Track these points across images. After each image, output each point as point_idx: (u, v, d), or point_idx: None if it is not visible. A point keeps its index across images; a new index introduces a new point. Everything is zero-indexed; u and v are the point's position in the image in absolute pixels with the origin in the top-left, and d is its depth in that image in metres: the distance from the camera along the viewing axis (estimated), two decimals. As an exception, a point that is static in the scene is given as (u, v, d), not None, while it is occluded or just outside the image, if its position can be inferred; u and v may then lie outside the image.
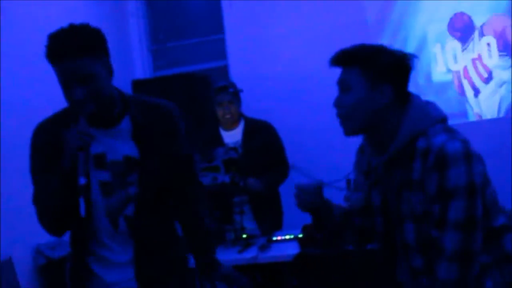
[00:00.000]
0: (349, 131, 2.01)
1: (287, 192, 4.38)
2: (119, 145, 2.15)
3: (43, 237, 4.22)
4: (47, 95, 4.14)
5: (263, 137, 4.23)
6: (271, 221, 4.14)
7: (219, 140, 4.23)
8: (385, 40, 5.53)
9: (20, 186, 4.01)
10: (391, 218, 2.04)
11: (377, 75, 1.95)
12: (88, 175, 2.05)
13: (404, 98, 1.98)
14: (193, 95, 5.40)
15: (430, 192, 1.89)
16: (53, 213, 2.10)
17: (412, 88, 2.04)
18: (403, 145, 1.95)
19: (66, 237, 4.34)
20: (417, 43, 5.57)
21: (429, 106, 2.00)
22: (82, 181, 1.99)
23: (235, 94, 4.25)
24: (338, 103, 2.00)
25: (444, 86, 5.54)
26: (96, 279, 2.21)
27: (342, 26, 5.51)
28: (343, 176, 2.30)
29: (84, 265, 2.22)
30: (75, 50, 1.97)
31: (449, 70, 5.55)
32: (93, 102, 2.01)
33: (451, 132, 1.92)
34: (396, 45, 5.50)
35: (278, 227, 4.18)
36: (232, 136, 4.25)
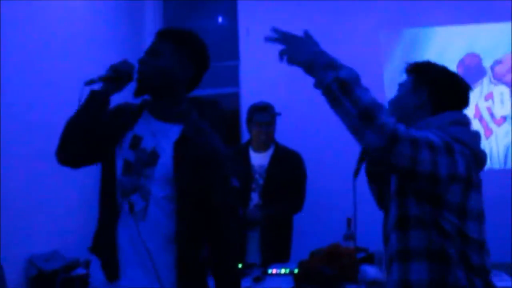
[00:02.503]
0: None
1: (299, 225, 4.34)
2: (158, 140, 2.28)
3: (37, 248, 4.23)
4: (48, 97, 4.18)
5: (288, 167, 4.20)
6: (277, 251, 4.09)
7: (247, 160, 4.21)
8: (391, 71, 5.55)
9: (18, 196, 4.04)
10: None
11: (420, 80, 2.26)
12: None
13: (436, 110, 2.21)
14: (201, 118, 5.38)
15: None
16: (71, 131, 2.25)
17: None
18: None
19: (60, 249, 4.33)
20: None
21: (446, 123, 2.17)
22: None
23: (273, 116, 4.23)
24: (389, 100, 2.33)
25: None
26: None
27: (356, 57, 5.53)
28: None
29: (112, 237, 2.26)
30: (165, 35, 2.34)
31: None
32: (143, 72, 2.27)
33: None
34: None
35: (284, 258, 4.11)
36: (260, 158, 4.23)
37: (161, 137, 2.30)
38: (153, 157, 2.26)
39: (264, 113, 4.20)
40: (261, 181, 4.17)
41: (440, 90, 2.24)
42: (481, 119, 5.46)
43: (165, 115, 2.34)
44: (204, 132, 2.39)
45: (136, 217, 2.23)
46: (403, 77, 2.35)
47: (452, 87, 2.26)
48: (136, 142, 2.29)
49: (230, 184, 2.40)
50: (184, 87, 2.39)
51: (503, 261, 3.32)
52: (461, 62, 5.53)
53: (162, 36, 2.36)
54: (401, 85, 2.33)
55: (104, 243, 2.27)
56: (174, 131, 2.31)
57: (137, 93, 2.31)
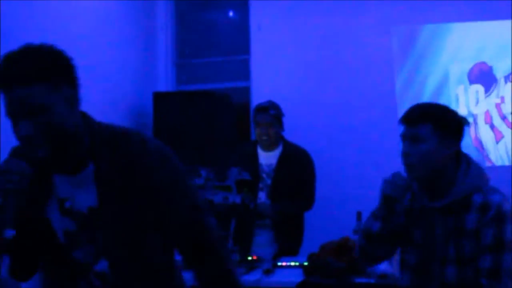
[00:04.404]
0: (414, 177, 2.29)
1: (309, 219, 4.36)
2: (83, 194, 1.76)
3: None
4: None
5: (296, 166, 4.16)
6: (288, 245, 4.10)
7: (255, 159, 4.20)
8: (406, 73, 5.55)
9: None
10: (433, 257, 2.28)
11: (446, 131, 2.25)
12: (48, 221, 1.76)
13: (459, 154, 2.31)
14: (213, 112, 5.42)
15: (485, 242, 2.18)
16: None
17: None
18: (461, 196, 2.23)
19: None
20: (439, 82, 5.56)
21: (482, 166, 2.34)
22: (9, 233, 1.62)
23: (275, 117, 4.16)
24: (408, 153, 2.27)
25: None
26: None
27: (367, 54, 5.56)
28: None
29: None
30: (23, 75, 1.61)
31: (470, 113, 5.52)
32: (44, 141, 1.62)
33: (500, 192, 2.25)
34: (417, 81, 5.56)
35: (294, 253, 4.12)
36: (268, 158, 4.20)
37: (86, 189, 1.76)
38: (95, 216, 1.78)
39: (264, 114, 4.15)
40: (268, 181, 4.16)
41: (461, 136, 2.31)
42: (491, 124, 5.49)
43: (68, 164, 1.74)
44: (118, 141, 1.77)
45: None
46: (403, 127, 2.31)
47: (464, 128, 2.34)
48: (65, 206, 1.79)
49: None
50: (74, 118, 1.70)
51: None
52: (471, 70, 5.45)
53: (18, 80, 1.61)
54: (417, 136, 2.25)
55: None
56: (90, 171, 1.75)
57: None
